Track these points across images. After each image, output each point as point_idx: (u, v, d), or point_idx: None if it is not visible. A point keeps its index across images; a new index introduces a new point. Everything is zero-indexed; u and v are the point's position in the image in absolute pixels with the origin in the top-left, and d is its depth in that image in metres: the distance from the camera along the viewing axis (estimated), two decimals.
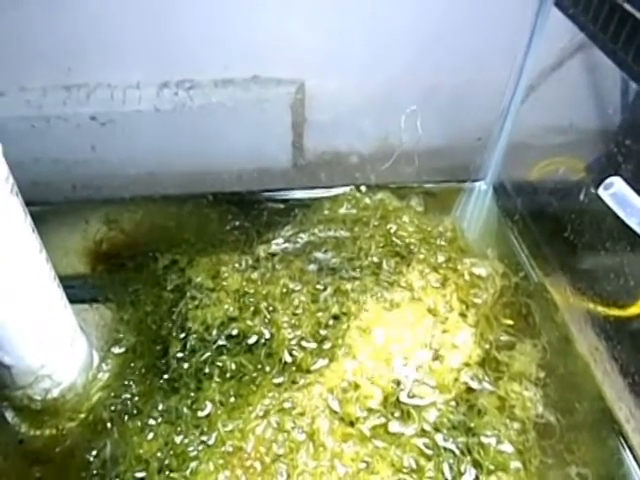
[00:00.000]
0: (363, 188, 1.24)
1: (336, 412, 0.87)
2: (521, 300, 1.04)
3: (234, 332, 0.97)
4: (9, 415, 0.89)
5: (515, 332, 0.99)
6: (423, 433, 0.85)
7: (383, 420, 0.87)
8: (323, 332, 0.96)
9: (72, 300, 0.87)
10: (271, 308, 0.99)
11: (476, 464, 0.83)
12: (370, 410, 0.87)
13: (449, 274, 1.05)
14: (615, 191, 0.78)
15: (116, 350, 0.96)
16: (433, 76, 1.09)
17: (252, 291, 1.02)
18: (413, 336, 0.95)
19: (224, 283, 1.03)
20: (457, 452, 0.84)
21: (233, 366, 0.92)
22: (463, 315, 0.99)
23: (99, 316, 1.01)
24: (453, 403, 0.89)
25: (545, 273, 1.10)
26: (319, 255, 1.09)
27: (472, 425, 0.86)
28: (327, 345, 0.95)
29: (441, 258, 1.08)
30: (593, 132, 1.02)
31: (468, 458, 0.83)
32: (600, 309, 0.95)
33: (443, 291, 1.02)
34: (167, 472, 0.81)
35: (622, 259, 0.88)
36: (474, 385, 0.91)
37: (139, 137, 1.12)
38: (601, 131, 0.99)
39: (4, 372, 0.81)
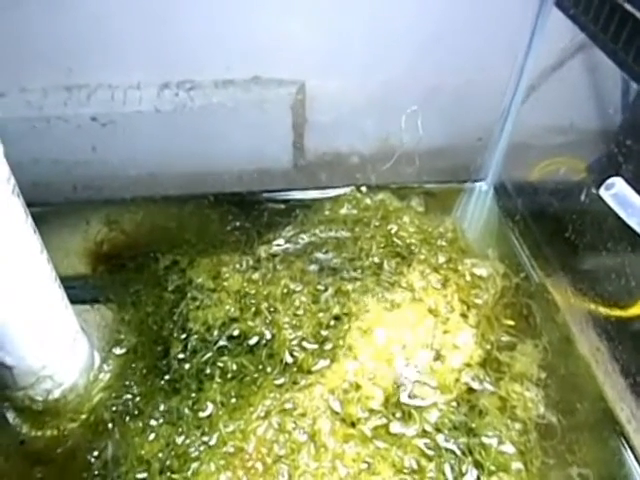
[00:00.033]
0: (364, 189, 1.24)
1: (337, 413, 0.87)
2: (522, 301, 1.04)
3: (235, 333, 0.97)
4: (10, 416, 0.89)
5: (516, 333, 0.99)
6: (424, 434, 0.85)
7: (384, 421, 0.87)
8: (324, 333, 0.96)
9: (73, 301, 0.87)
10: (272, 309, 0.99)
11: (477, 465, 0.83)
12: (371, 411, 0.88)
13: (450, 274, 1.05)
14: (616, 191, 0.78)
15: (117, 351, 0.96)
16: (434, 76, 1.09)
17: (253, 292, 1.02)
18: (414, 337, 0.95)
19: (225, 284, 1.03)
20: (458, 453, 0.84)
21: (234, 367, 0.92)
22: (464, 316, 0.99)
23: (100, 317, 1.01)
24: (454, 404, 0.89)
25: (546, 274, 1.10)
26: (320, 256, 1.09)
27: (473, 426, 0.86)
28: (328, 346, 0.95)
29: (442, 259, 1.08)
30: (594, 132, 1.02)
31: (469, 459, 0.83)
32: (601, 310, 0.95)
33: (444, 292, 1.02)
34: (168, 473, 0.81)
35: (623, 259, 0.88)
36: (475, 386, 0.91)
37: (140, 138, 1.12)
38: (602, 131, 0.99)
39: (5, 373, 0.81)
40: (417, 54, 1.06)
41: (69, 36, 0.97)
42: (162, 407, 0.88)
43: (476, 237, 1.17)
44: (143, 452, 0.83)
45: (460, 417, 0.87)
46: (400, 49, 1.05)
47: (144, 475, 0.82)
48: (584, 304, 1.00)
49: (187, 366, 0.93)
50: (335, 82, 1.09)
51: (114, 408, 0.89)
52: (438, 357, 0.93)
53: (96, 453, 0.84)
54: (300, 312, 0.98)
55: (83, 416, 0.88)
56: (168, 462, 0.83)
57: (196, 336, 0.96)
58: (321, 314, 0.99)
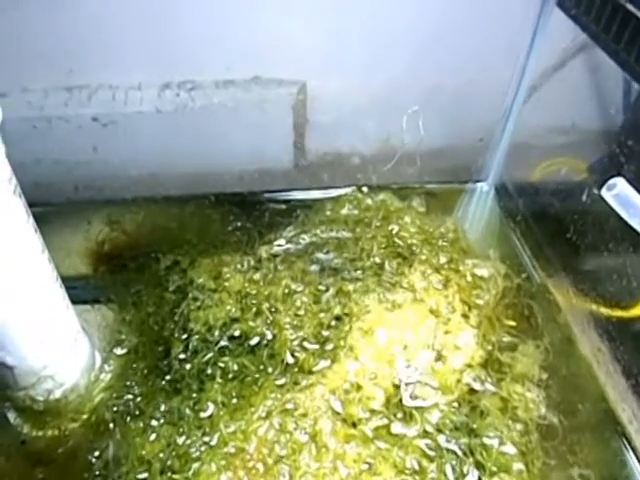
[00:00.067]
0: (365, 189, 1.24)
1: (338, 413, 0.87)
2: (523, 301, 1.04)
3: (236, 333, 0.97)
4: (11, 416, 0.89)
5: (517, 333, 0.99)
6: (425, 434, 0.85)
7: (385, 421, 0.87)
8: (325, 333, 0.96)
9: (74, 301, 0.87)
10: (273, 309, 0.99)
11: (479, 465, 0.83)
12: (372, 411, 0.87)
13: (451, 275, 1.05)
14: (618, 192, 0.77)
15: (118, 351, 0.96)
16: (434, 76, 1.09)
17: (254, 292, 1.02)
18: (415, 337, 0.95)
19: (226, 284, 1.03)
20: (460, 453, 0.84)
21: (235, 367, 0.92)
22: (465, 316, 0.99)
23: (101, 317, 1.01)
24: (455, 404, 0.88)
25: (547, 274, 1.10)
26: (321, 256, 1.09)
27: (474, 426, 0.86)
28: (329, 346, 0.95)
29: (443, 259, 1.08)
30: (595, 132, 1.01)
31: (471, 459, 0.83)
32: (603, 310, 0.95)
33: (445, 292, 1.02)
34: (169, 473, 0.81)
35: (625, 260, 0.88)
36: (476, 386, 0.91)
37: (141, 138, 1.12)
38: (603, 131, 0.99)
39: (7, 373, 0.81)
40: (418, 54, 1.06)
41: (70, 36, 0.97)
42: (163, 407, 0.88)
43: (477, 237, 1.17)
44: (144, 452, 0.83)
45: (461, 418, 0.87)
46: (401, 49, 1.05)
47: (145, 475, 0.82)
48: (585, 305, 1.00)
49: (188, 366, 0.93)
50: (336, 82, 1.09)
51: (115, 408, 0.89)
52: (439, 358, 0.93)
53: (97, 453, 0.84)
54: (301, 312, 0.98)
55: (84, 416, 0.88)
56: (169, 462, 0.82)
57: (197, 336, 0.96)
58: (322, 314, 0.98)
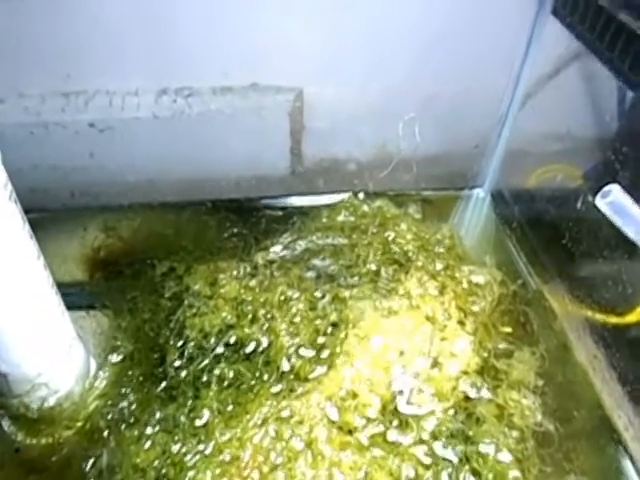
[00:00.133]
0: (361, 195, 1.24)
1: (334, 421, 0.87)
2: (519, 308, 1.04)
3: (232, 340, 0.96)
4: (5, 424, 0.89)
5: (513, 340, 0.99)
6: (421, 442, 0.85)
7: (381, 429, 0.86)
8: (321, 340, 0.96)
9: (69, 307, 0.87)
10: (269, 316, 0.99)
11: (475, 473, 0.82)
12: (368, 419, 0.87)
13: (447, 282, 1.05)
14: (612, 200, 0.78)
15: (113, 358, 0.96)
16: (431, 84, 1.09)
17: (250, 299, 1.02)
18: (411, 344, 0.95)
19: (222, 291, 1.03)
20: (456, 461, 0.83)
21: (231, 374, 0.92)
22: (461, 323, 0.99)
23: (96, 323, 1.01)
24: (451, 411, 0.88)
25: (543, 281, 1.10)
26: (317, 262, 1.09)
27: (471, 434, 0.86)
28: (325, 353, 0.94)
29: (439, 266, 1.08)
30: (590, 140, 1.02)
31: (467, 467, 0.83)
32: (598, 317, 0.95)
33: (441, 299, 1.02)
34: None
35: (620, 267, 0.89)
36: (472, 393, 0.90)
37: (138, 144, 1.12)
38: (598, 139, 0.99)
39: (1, 380, 0.81)
40: (414, 62, 1.06)
41: (67, 42, 0.97)
42: (158, 415, 0.88)
43: (473, 244, 1.17)
44: (139, 460, 0.83)
45: (457, 425, 0.87)
46: (398, 57, 1.05)
47: None
48: (581, 311, 1.00)
49: (183, 373, 0.92)
50: (333, 89, 1.10)
51: (110, 416, 0.88)
52: (435, 365, 0.93)
53: (91, 461, 0.84)
54: (297, 319, 0.98)
55: (78, 424, 0.88)
56: (164, 470, 0.82)
57: (193, 343, 0.96)
58: (318, 321, 0.98)
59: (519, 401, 0.90)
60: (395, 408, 0.88)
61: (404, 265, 1.08)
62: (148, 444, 0.85)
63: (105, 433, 0.86)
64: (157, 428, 0.86)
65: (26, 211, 0.74)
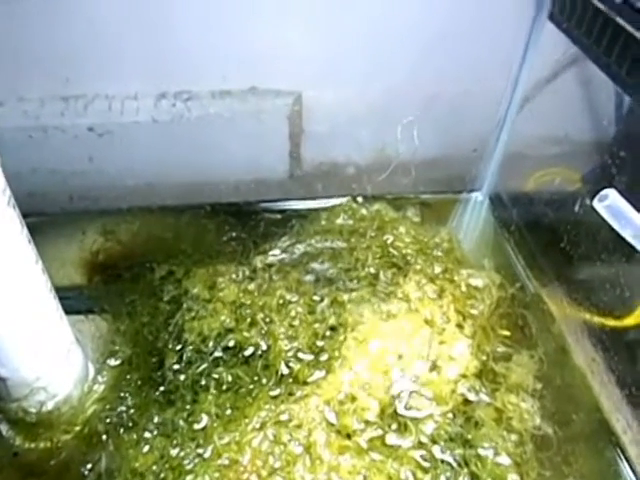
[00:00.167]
0: (360, 199, 1.24)
1: (333, 424, 0.87)
2: (517, 311, 1.04)
3: (230, 344, 0.96)
4: (4, 428, 0.89)
5: (512, 343, 0.99)
6: (420, 445, 0.85)
7: (380, 432, 0.86)
8: (320, 343, 0.96)
9: (68, 311, 0.87)
10: (268, 319, 0.99)
11: (473, 476, 0.82)
12: (367, 422, 0.87)
13: (446, 285, 1.05)
14: (610, 203, 0.78)
15: (112, 362, 0.96)
16: (430, 87, 1.10)
17: (249, 302, 1.02)
18: (410, 347, 0.95)
19: (221, 294, 1.03)
20: (454, 464, 0.83)
21: (229, 378, 0.92)
22: (460, 326, 0.99)
23: (95, 327, 1.01)
24: (450, 415, 0.88)
25: (541, 284, 1.10)
26: (316, 266, 1.09)
27: (469, 437, 0.86)
28: (324, 357, 0.94)
29: (438, 269, 1.08)
30: (588, 143, 1.02)
31: (465, 470, 0.83)
32: (596, 320, 0.95)
33: (440, 302, 1.02)
34: None
35: (618, 270, 0.89)
36: (471, 397, 0.91)
37: (137, 148, 1.12)
38: (596, 143, 1.00)
39: None
40: (413, 66, 1.07)
41: (66, 46, 0.97)
42: (156, 419, 0.88)
43: (472, 247, 1.18)
44: (137, 464, 0.83)
45: (456, 428, 0.87)
46: (397, 59, 1.06)
47: None
48: (579, 314, 1.00)
49: (182, 377, 0.92)
50: (332, 93, 1.10)
51: (108, 420, 0.88)
52: (434, 368, 0.93)
53: (90, 465, 0.84)
54: (296, 323, 0.98)
55: (77, 428, 0.88)
56: (162, 475, 0.82)
57: (191, 347, 0.96)
58: (317, 325, 0.98)
59: (518, 404, 0.90)
60: (394, 412, 0.88)
61: (403, 268, 1.08)
62: (147, 448, 0.85)
63: (103, 437, 0.86)
64: (156, 432, 0.86)
65: (24, 215, 0.74)
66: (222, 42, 1.00)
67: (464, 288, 1.05)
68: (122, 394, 0.91)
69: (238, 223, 1.20)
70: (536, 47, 1.04)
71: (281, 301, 1.02)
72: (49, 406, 0.85)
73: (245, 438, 0.85)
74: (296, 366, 0.93)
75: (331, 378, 0.92)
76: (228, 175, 1.21)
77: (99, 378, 0.93)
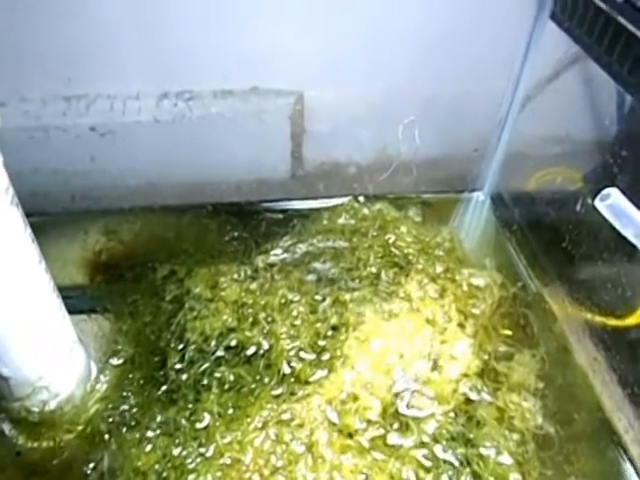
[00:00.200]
0: (361, 198, 1.24)
1: (335, 424, 0.87)
2: (519, 310, 1.04)
3: (233, 343, 0.96)
4: (6, 427, 0.89)
5: (513, 342, 0.99)
6: (422, 445, 0.85)
7: (382, 432, 0.86)
8: (322, 343, 0.96)
9: (70, 311, 0.87)
10: (270, 319, 0.99)
11: (475, 476, 0.83)
12: (369, 422, 0.87)
13: (447, 284, 1.05)
14: (611, 202, 0.78)
15: (114, 361, 0.96)
16: (431, 87, 1.10)
17: (251, 302, 1.02)
18: (412, 347, 0.95)
19: (223, 294, 1.03)
20: (456, 464, 0.83)
21: (232, 377, 0.92)
22: (461, 326, 0.99)
23: (97, 327, 1.01)
24: (452, 414, 0.88)
25: (543, 283, 1.10)
26: (318, 265, 1.09)
27: (471, 436, 0.86)
28: (326, 356, 0.94)
29: (439, 268, 1.08)
30: (589, 143, 1.02)
31: (467, 470, 0.83)
32: (598, 319, 0.95)
33: (441, 302, 1.02)
34: None
35: (619, 269, 0.89)
36: (473, 396, 0.91)
37: (139, 148, 1.12)
38: (597, 142, 1.00)
39: (2, 384, 0.81)
40: (415, 65, 1.07)
41: (68, 46, 0.97)
42: (159, 418, 0.88)
43: (473, 247, 1.18)
44: (140, 463, 0.83)
45: (458, 428, 0.87)
46: (398, 59, 1.06)
47: None
48: (581, 314, 1.00)
49: (184, 377, 0.92)
50: (333, 92, 1.10)
51: (110, 419, 0.88)
52: (436, 367, 0.93)
53: (92, 465, 0.84)
54: (298, 322, 0.98)
55: (79, 427, 0.88)
56: (165, 474, 0.82)
57: (193, 346, 0.96)
58: (319, 324, 0.98)
59: (519, 404, 0.90)
60: (395, 411, 0.88)
61: (404, 268, 1.08)
62: (149, 447, 0.85)
63: (106, 436, 0.87)
64: (158, 431, 0.86)
65: (27, 215, 0.74)
66: (223, 42, 1.00)
67: (466, 287, 1.05)
68: (124, 393, 0.91)
69: (240, 223, 1.20)
70: (537, 46, 1.04)
71: (283, 301, 1.02)
72: (52, 405, 0.86)
73: (247, 437, 0.85)
74: (298, 365, 0.93)
75: (333, 377, 0.92)
76: (230, 175, 1.21)
77: (101, 377, 0.94)
